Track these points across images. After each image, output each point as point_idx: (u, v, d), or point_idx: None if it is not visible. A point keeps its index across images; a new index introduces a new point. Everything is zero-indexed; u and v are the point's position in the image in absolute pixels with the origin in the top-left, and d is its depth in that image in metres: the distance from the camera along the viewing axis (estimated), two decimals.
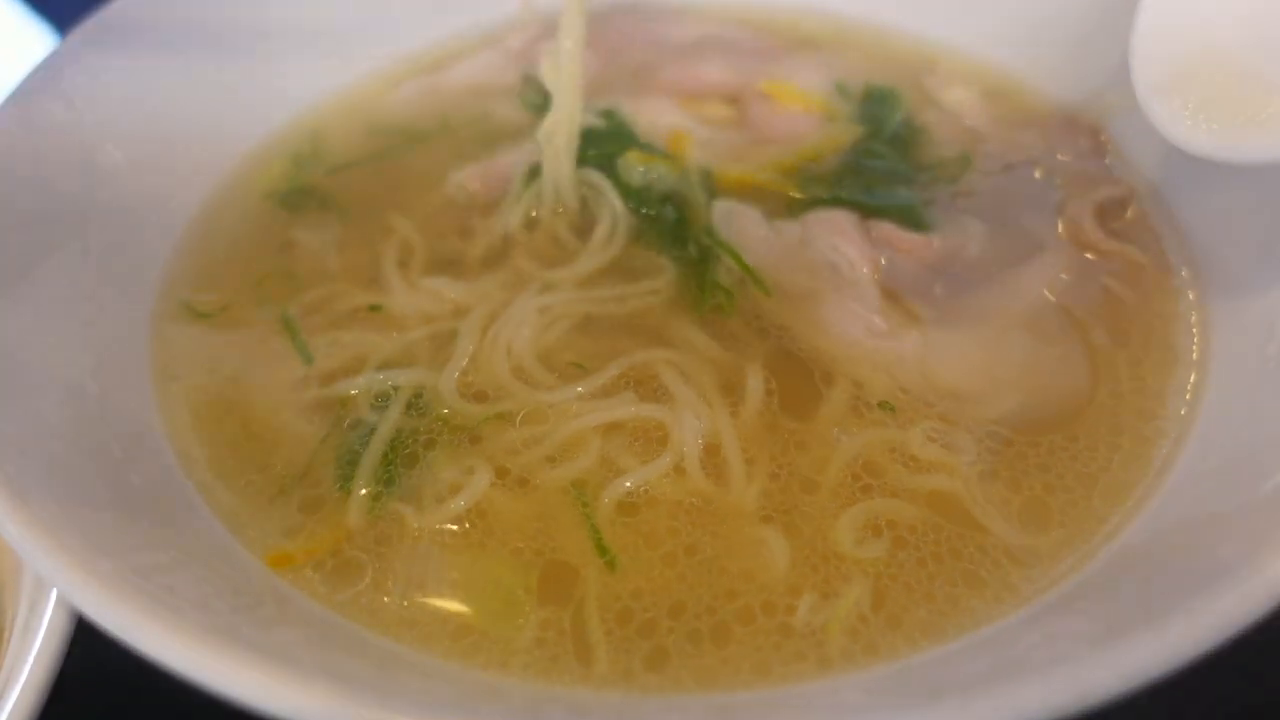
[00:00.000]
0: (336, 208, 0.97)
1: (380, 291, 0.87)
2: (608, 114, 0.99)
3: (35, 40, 1.44)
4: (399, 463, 0.73)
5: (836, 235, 0.87)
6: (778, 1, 1.22)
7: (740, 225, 0.88)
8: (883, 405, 0.76)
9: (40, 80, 0.87)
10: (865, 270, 0.85)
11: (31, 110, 0.85)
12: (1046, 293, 0.84)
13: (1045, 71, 1.08)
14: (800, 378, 0.78)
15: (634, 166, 0.91)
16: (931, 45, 1.15)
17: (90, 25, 0.94)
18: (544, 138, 0.91)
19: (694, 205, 0.90)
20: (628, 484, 0.71)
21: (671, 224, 0.89)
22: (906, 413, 0.76)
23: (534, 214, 0.92)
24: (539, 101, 1.07)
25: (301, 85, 1.09)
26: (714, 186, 0.93)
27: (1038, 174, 0.97)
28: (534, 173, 0.93)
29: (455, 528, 0.70)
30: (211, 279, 0.90)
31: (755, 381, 0.77)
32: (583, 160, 0.92)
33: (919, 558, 0.68)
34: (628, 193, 0.91)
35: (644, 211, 0.90)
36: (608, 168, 0.92)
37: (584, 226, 0.91)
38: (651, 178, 0.91)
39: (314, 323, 0.84)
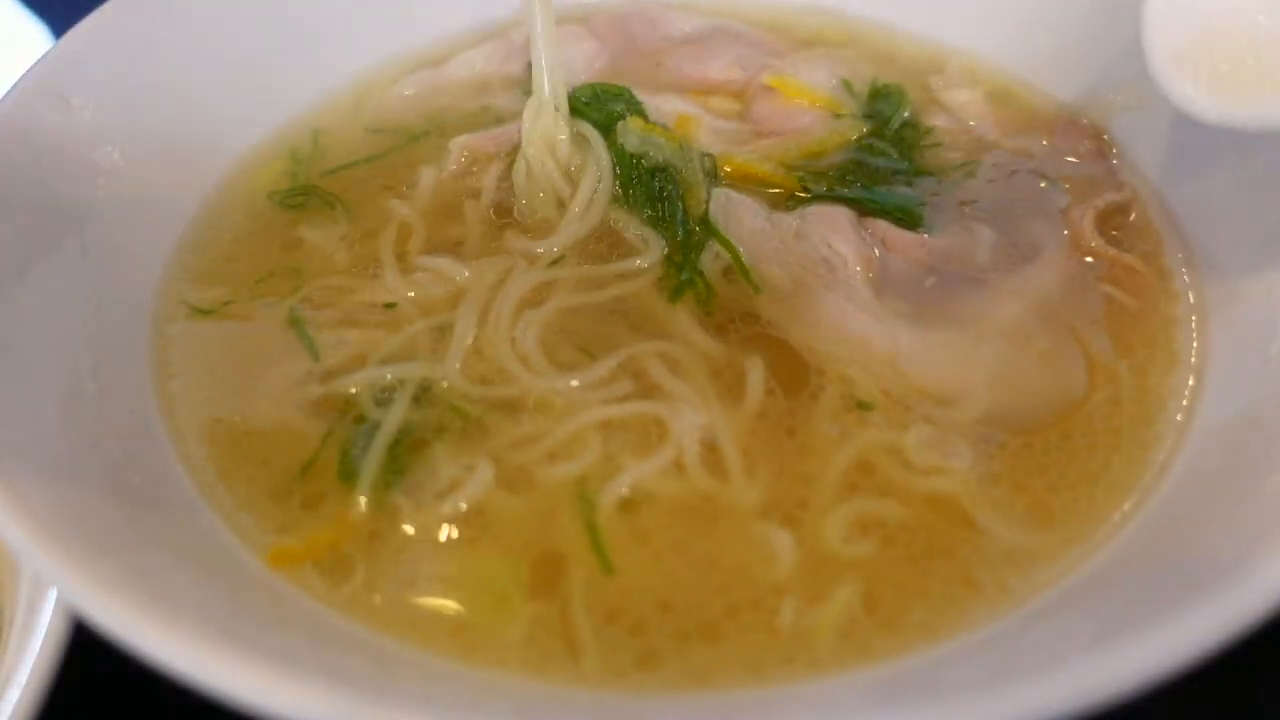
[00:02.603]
0: (338, 203, 0.96)
1: (380, 284, 0.87)
2: (620, 89, 0.97)
3: (32, 39, 1.44)
4: (402, 460, 0.73)
5: (832, 231, 0.87)
6: (785, 1, 1.22)
7: (738, 215, 0.88)
8: (861, 405, 0.76)
9: (38, 79, 0.87)
10: (859, 268, 0.85)
11: (29, 109, 0.85)
12: (1041, 296, 0.84)
13: (1048, 73, 1.08)
14: (794, 375, 0.78)
15: (632, 131, 0.89)
16: (936, 46, 1.15)
17: (88, 24, 0.94)
18: (535, 87, 0.90)
19: (692, 185, 0.88)
20: (627, 482, 0.71)
21: (661, 198, 0.88)
22: (895, 413, 0.76)
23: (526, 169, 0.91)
24: None
25: (301, 83, 1.09)
26: (716, 172, 0.93)
27: (1039, 177, 0.97)
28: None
29: (455, 525, 0.70)
30: (211, 277, 0.90)
31: (751, 377, 0.77)
32: (582, 115, 0.92)
33: (910, 556, 0.68)
34: (620, 156, 0.89)
35: (634, 177, 0.89)
36: (607, 129, 0.91)
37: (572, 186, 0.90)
38: (648, 146, 0.89)
39: (315, 318, 0.84)
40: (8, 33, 1.44)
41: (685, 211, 0.87)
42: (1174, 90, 0.82)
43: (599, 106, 0.93)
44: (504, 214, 0.92)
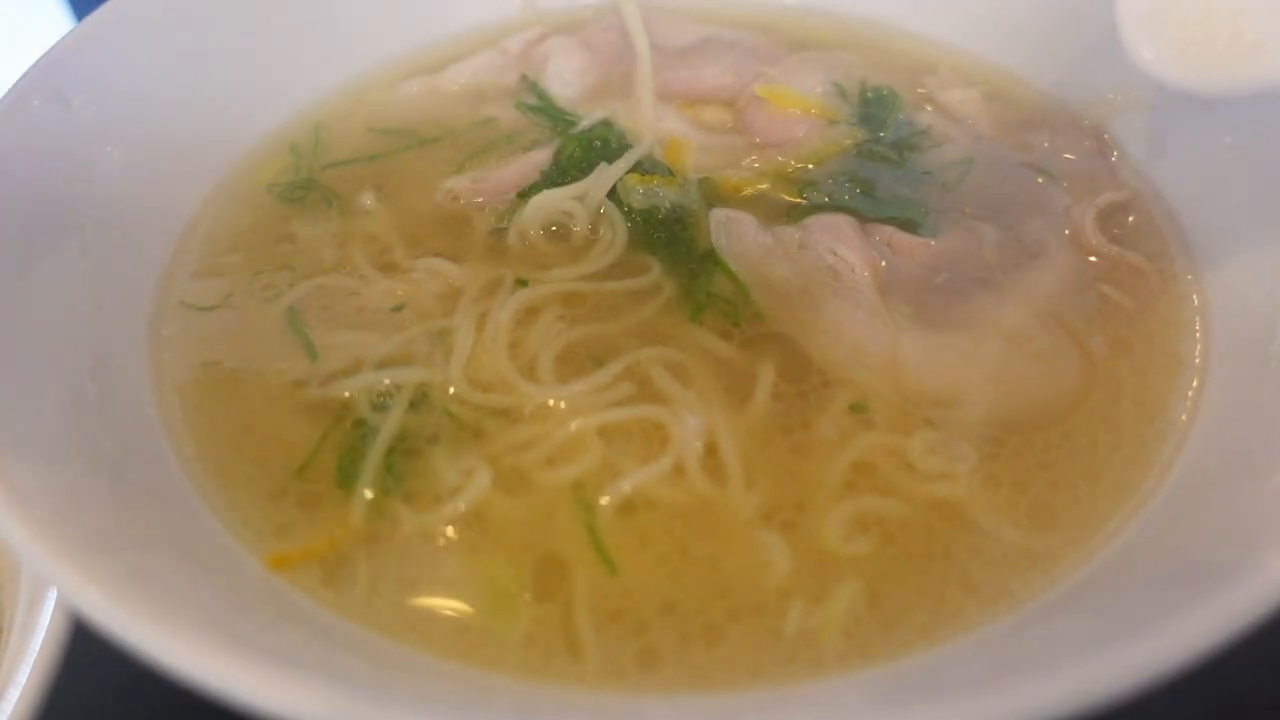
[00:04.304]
0: (335, 199, 0.97)
1: (377, 286, 0.87)
2: (605, 124, 0.99)
3: (53, 19, 1.41)
4: (399, 465, 0.73)
5: (836, 239, 0.86)
6: (778, 2, 1.22)
7: (739, 233, 0.88)
8: (868, 409, 0.76)
9: (38, 78, 0.87)
10: (866, 274, 0.84)
11: (29, 109, 0.85)
12: (1046, 296, 0.84)
13: (1048, 72, 1.08)
14: (800, 381, 0.78)
15: (634, 189, 0.90)
16: (933, 45, 1.15)
17: (88, 24, 0.94)
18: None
19: (695, 217, 0.90)
20: (626, 485, 0.71)
21: (673, 239, 0.89)
22: (900, 417, 0.75)
23: (533, 231, 0.90)
24: (536, 105, 1.07)
25: (301, 84, 1.09)
26: (714, 195, 0.93)
27: (1040, 176, 0.97)
28: (532, 190, 0.92)
29: (454, 528, 0.70)
30: (210, 272, 0.90)
31: (757, 382, 0.77)
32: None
33: (909, 554, 0.68)
34: (631, 214, 0.90)
35: (649, 232, 0.89)
36: (608, 190, 0.91)
37: (583, 245, 0.90)
38: (653, 199, 0.90)
39: (313, 319, 0.84)
40: (29, 12, 1.42)
41: (692, 245, 0.88)
42: (1136, 53, 0.82)
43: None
44: (504, 236, 0.91)
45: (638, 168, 0.92)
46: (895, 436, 0.74)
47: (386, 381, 0.78)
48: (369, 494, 0.72)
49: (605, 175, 0.90)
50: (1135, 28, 0.82)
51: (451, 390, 0.77)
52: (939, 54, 1.13)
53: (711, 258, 0.86)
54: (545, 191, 0.90)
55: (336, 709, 0.48)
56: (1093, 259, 0.88)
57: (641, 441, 0.74)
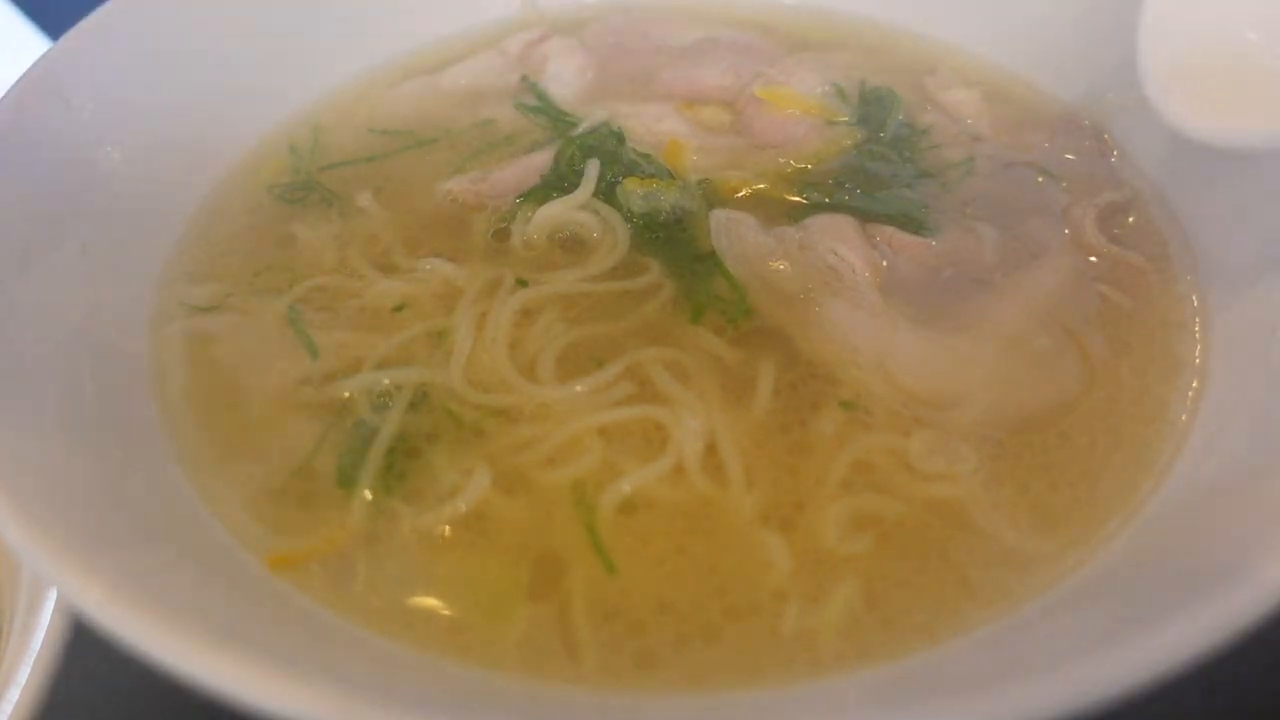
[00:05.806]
0: (335, 200, 0.97)
1: (377, 287, 0.87)
2: (604, 127, 0.99)
3: (26, 43, 1.43)
4: (399, 465, 0.73)
5: (837, 239, 0.86)
6: (778, 2, 1.22)
7: (739, 233, 0.88)
8: (867, 409, 0.76)
9: (38, 79, 0.87)
10: (867, 274, 0.84)
11: (29, 109, 0.85)
12: (1047, 297, 0.84)
13: (1048, 72, 1.08)
14: (800, 381, 0.78)
15: (633, 193, 0.90)
16: (933, 45, 1.15)
17: (88, 24, 0.93)
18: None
19: (695, 218, 0.90)
20: (625, 485, 0.71)
21: (674, 241, 0.89)
22: (900, 417, 0.75)
23: (534, 236, 0.90)
24: (536, 106, 1.07)
25: (300, 85, 1.10)
26: (714, 196, 0.93)
27: (1040, 176, 0.97)
28: (533, 193, 0.92)
29: (453, 528, 0.70)
30: (209, 272, 0.90)
31: (758, 382, 0.77)
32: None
33: (906, 554, 0.68)
34: (631, 219, 0.90)
35: (650, 234, 0.89)
36: (608, 194, 0.91)
37: (585, 248, 0.90)
38: (653, 202, 0.90)
39: (313, 319, 0.84)
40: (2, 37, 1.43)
41: (692, 247, 0.88)
42: (1165, 108, 0.82)
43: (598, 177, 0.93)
44: (503, 237, 0.91)
45: (637, 171, 0.92)
46: (895, 437, 0.74)
47: (386, 381, 0.78)
48: (369, 494, 0.72)
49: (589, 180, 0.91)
50: (1161, 82, 0.83)
51: (451, 390, 0.77)
52: (939, 54, 1.14)
53: (712, 259, 0.86)
54: (552, 202, 0.90)
55: (336, 709, 0.48)
56: (1093, 259, 0.88)
57: (642, 441, 0.74)
